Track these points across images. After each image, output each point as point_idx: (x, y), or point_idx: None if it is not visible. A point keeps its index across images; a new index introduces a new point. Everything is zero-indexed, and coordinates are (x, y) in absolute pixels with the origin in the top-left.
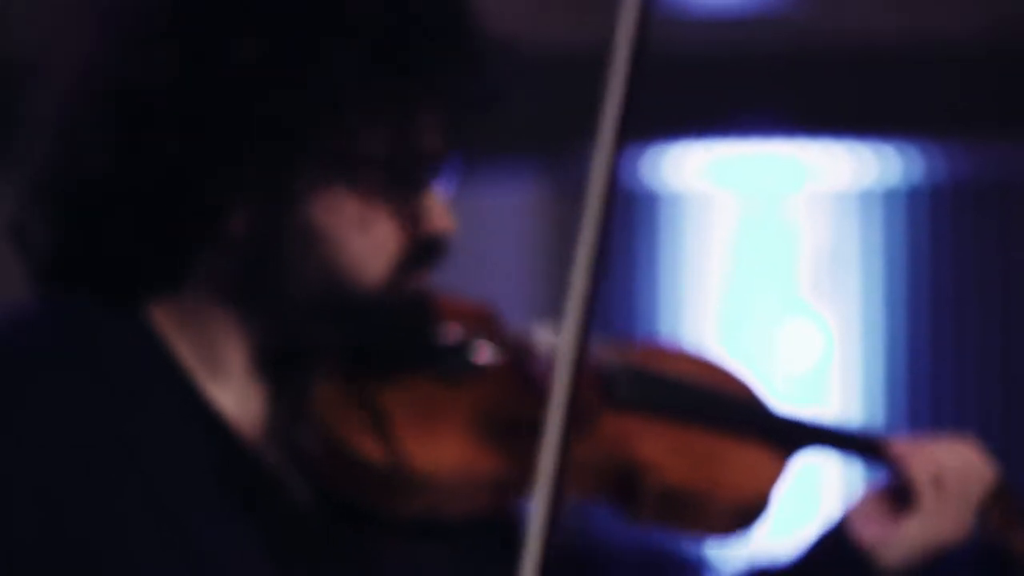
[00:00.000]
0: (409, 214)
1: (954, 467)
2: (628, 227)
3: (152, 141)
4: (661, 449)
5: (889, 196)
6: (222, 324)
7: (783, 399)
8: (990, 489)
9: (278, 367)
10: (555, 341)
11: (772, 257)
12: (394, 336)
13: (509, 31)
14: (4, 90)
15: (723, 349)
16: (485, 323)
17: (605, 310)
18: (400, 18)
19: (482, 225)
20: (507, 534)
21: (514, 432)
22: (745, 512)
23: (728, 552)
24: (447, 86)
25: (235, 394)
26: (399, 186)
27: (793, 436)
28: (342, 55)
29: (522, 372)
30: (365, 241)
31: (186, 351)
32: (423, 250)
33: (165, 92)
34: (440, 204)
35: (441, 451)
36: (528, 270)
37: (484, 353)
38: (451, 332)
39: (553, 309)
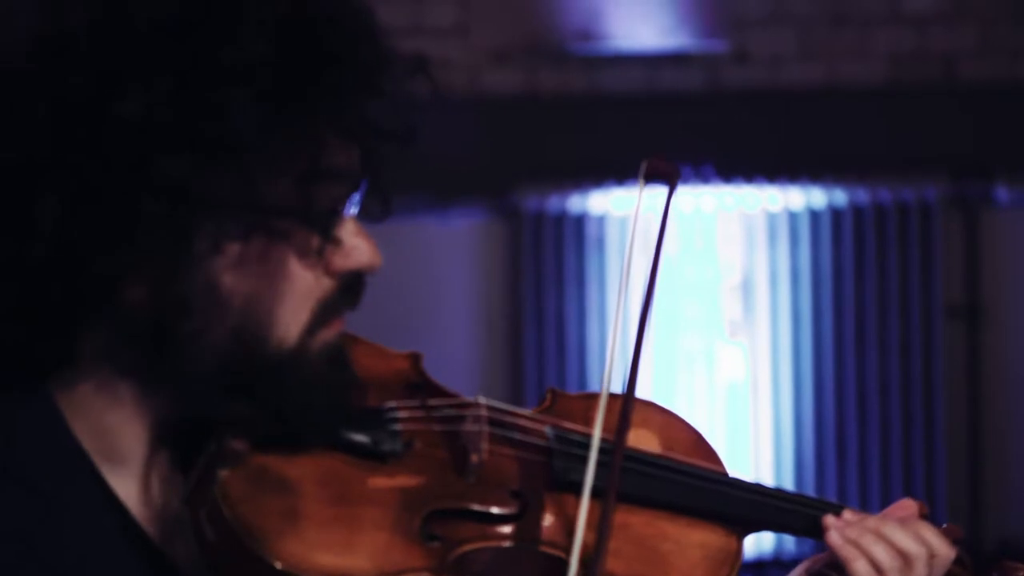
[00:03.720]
0: (326, 256)
1: (906, 552)
2: (558, 248)
3: (32, 210)
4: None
5: (796, 221)
6: (121, 403)
7: (706, 420)
8: (948, 566)
9: (182, 444)
10: (500, 408)
11: (694, 281)
12: (309, 404)
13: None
14: None
15: (653, 368)
16: (413, 383)
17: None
18: (293, 57)
19: (430, 252)
20: None
21: (444, 523)
22: None
23: None
24: (351, 117)
25: (136, 482)
26: (311, 230)
27: (748, 515)
28: (234, 102)
29: (454, 449)
30: (280, 294)
31: (84, 436)
32: (345, 291)
33: (42, 156)
34: (360, 237)
35: (357, 548)
36: (476, 295)
37: (411, 424)
38: (373, 395)
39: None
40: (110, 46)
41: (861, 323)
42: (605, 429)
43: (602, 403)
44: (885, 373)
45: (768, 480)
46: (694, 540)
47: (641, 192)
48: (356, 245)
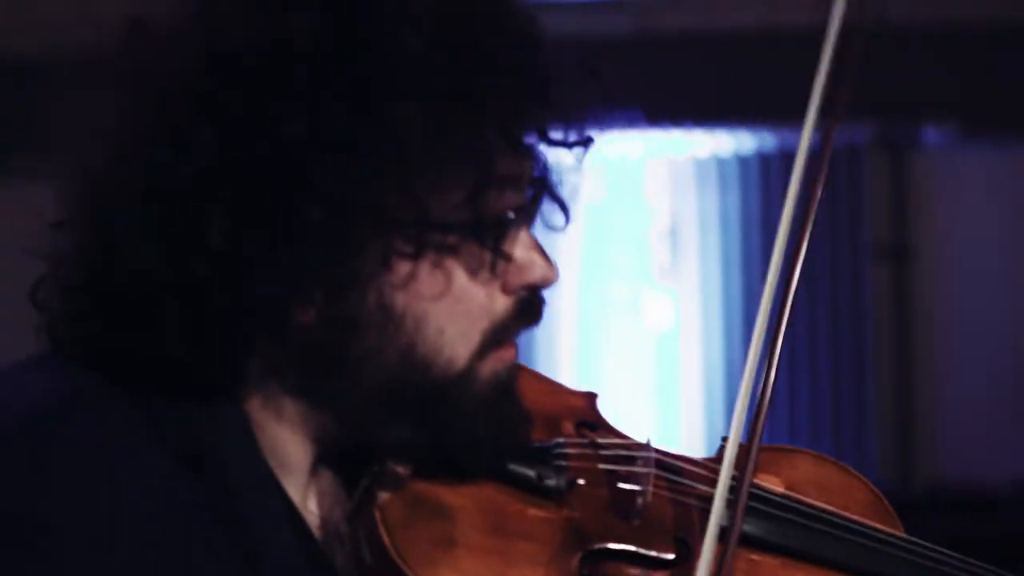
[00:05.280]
0: (499, 272)
1: None
2: None
3: (203, 233)
4: None
5: (724, 167)
6: (287, 418)
7: (635, 367)
8: None
9: (344, 464)
10: (663, 454)
11: (622, 227)
12: (473, 435)
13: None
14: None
15: (579, 316)
16: (584, 422)
17: None
18: (458, 65)
19: None
20: None
21: (602, 563)
22: None
23: None
24: (520, 125)
25: (300, 491)
26: (482, 244)
27: None
28: (399, 113)
29: (619, 490)
30: (451, 313)
31: (261, 444)
32: (521, 311)
33: (209, 179)
34: (535, 251)
35: None
36: None
37: (577, 462)
38: (544, 430)
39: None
40: (272, 64)
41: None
42: (774, 476)
43: (731, 448)
44: (814, 316)
45: (697, 426)
46: None
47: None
48: (531, 259)
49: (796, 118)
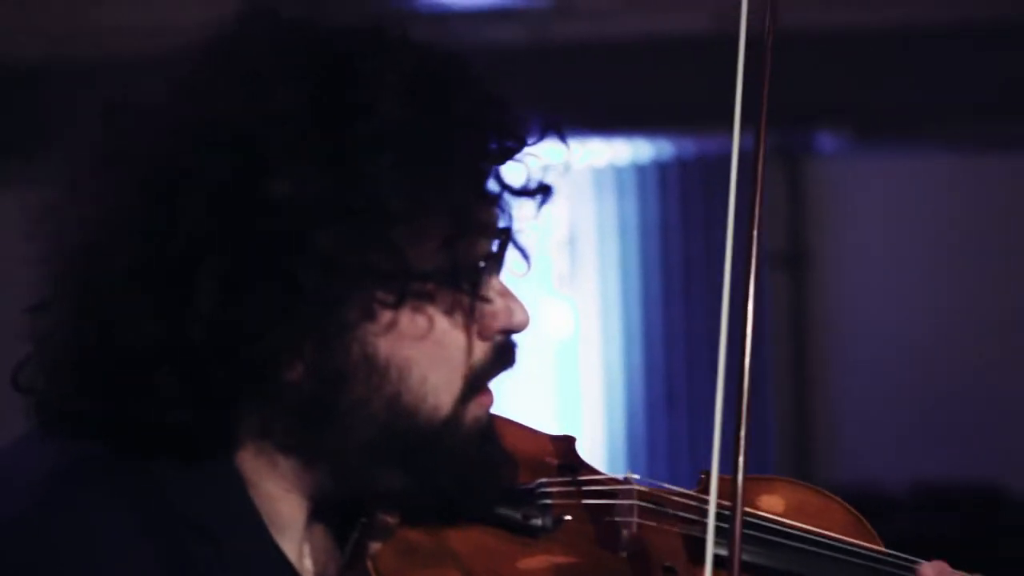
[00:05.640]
0: (477, 318)
1: None
2: None
3: (196, 303)
4: None
5: (622, 176)
6: (281, 475)
7: (535, 375)
8: None
9: (335, 518)
10: (648, 488)
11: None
12: (462, 478)
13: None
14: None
15: None
16: (564, 464)
17: None
18: (429, 123)
19: None
20: None
21: None
22: None
23: None
24: (487, 177)
25: (296, 547)
26: (459, 290)
27: None
28: (377, 171)
29: (605, 524)
30: (433, 360)
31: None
32: (497, 356)
33: (199, 249)
34: (508, 296)
35: None
36: None
37: (561, 500)
38: (525, 475)
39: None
40: (257, 135)
41: (688, 274)
42: (755, 505)
43: (714, 478)
44: (712, 323)
45: (598, 432)
46: None
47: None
48: (505, 305)
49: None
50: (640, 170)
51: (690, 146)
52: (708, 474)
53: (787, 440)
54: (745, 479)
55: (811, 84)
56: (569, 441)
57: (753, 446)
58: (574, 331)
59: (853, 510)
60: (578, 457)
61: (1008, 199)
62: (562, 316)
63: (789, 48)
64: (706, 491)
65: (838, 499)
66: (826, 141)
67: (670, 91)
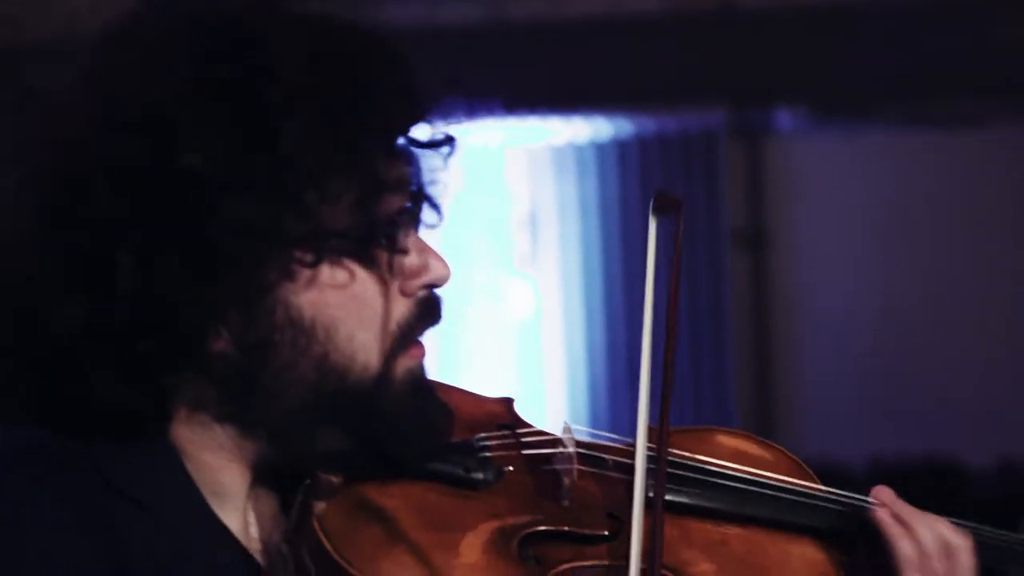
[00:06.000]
0: (397, 275)
1: (949, 542)
2: None
3: (117, 280)
4: (695, 554)
5: (582, 154)
6: (220, 446)
7: (497, 354)
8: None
9: (281, 483)
10: (585, 441)
11: (482, 215)
12: (398, 433)
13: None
14: None
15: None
16: (505, 423)
17: None
18: (332, 85)
19: None
20: None
21: (541, 545)
22: None
23: None
24: (395, 134)
25: (240, 515)
26: (376, 247)
27: (846, 526)
28: (284, 136)
29: (546, 474)
30: (358, 319)
31: (193, 474)
32: (422, 312)
33: (115, 226)
34: (427, 252)
35: (455, 572)
36: None
37: (501, 452)
38: (467, 434)
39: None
40: (158, 108)
41: None
42: (685, 448)
43: (641, 423)
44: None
45: (561, 412)
46: (795, 553)
47: (652, 225)
48: (424, 260)
49: (651, 104)
50: (600, 148)
51: (649, 124)
52: (657, 428)
53: (748, 417)
54: (683, 430)
55: (770, 62)
56: (508, 401)
57: (714, 423)
58: (536, 310)
59: (793, 456)
60: (517, 415)
61: (966, 176)
62: (524, 295)
63: (748, 26)
64: (650, 441)
65: (777, 446)
66: (784, 119)
67: (629, 70)
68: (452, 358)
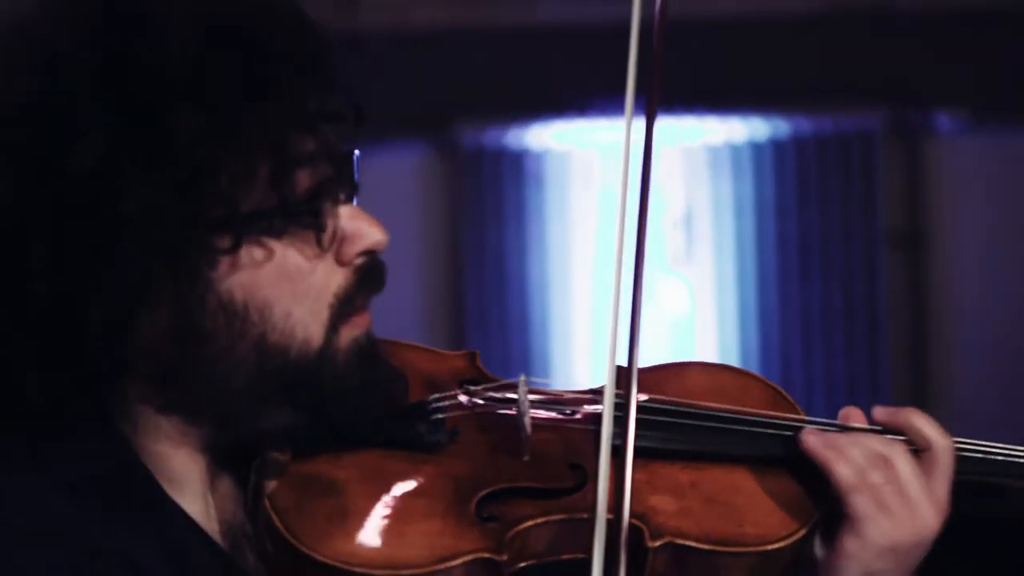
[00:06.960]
0: (327, 246)
1: (879, 452)
2: (496, 184)
3: (29, 276)
4: (664, 499)
5: (737, 154)
6: (168, 436)
7: (651, 354)
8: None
9: (237, 461)
10: (535, 396)
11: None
12: (345, 404)
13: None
14: None
15: (594, 306)
16: (469, 379)
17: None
18: (229, 63)
19: (369, 191)
20: None
21: (500, 503)
22: (774, 559)
23: None
24: (301, 108)
25: (199, 500)
26: (298, 222)
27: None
28: (178, 121)
29: (503, 430)
30: (293, 295)
31: (148, 463)
32: (363, 280)
33: (17, 232)
34: (359, 219)
35: (409, 539)
36: (416, 233)
37: (454, 412)
38: (426, 393)
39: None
40: (51, 100)
41: (804, 254)
42: (656, 386)
43: (610, 367)
44: (828, 303)
45: None
46: (768, 489)
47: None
48: (357, 227)
49: (808, 104)
50: (756, 148)
51: (806, 124)
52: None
53: None
54: (656, 367)
55: (927, 64)
56: (471, 356)
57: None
58: (689, 310)
59: (772, 384)
60: (481, 371)
61: None
62: (677, 295)
63: (907, 27)
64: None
65: (755, 375)
66: (944, 121)
67: (786, 69)
68: (606, 360)
